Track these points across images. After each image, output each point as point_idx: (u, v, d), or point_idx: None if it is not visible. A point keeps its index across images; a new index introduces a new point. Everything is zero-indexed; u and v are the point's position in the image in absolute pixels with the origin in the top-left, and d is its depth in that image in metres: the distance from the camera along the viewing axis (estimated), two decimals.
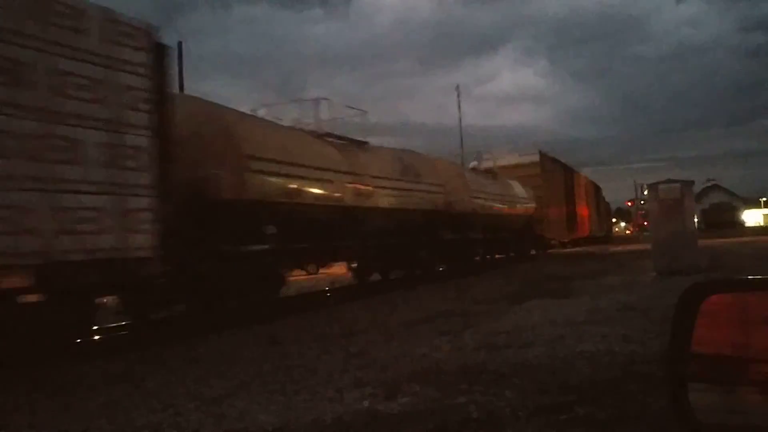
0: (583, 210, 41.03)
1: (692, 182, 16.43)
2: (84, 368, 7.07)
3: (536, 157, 30.67)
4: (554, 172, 33.28)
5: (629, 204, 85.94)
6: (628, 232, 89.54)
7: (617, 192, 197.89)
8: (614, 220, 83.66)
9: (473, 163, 27.17)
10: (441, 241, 18.15)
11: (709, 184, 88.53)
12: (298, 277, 18.03)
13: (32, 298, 7.29)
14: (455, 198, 18.95)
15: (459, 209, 19.04)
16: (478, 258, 22.74)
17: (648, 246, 18.95)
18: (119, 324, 10.42)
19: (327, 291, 15.96)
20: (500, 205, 23.90)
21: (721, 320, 1.25)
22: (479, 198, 21.17)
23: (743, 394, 1.21)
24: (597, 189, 50.32)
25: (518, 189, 26.82)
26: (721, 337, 1.24)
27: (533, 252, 29.14)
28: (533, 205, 27.95)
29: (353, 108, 16.48)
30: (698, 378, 1.23)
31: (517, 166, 29.26)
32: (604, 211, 55.47)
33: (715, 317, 1.25)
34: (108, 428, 4.72)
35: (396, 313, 10.48)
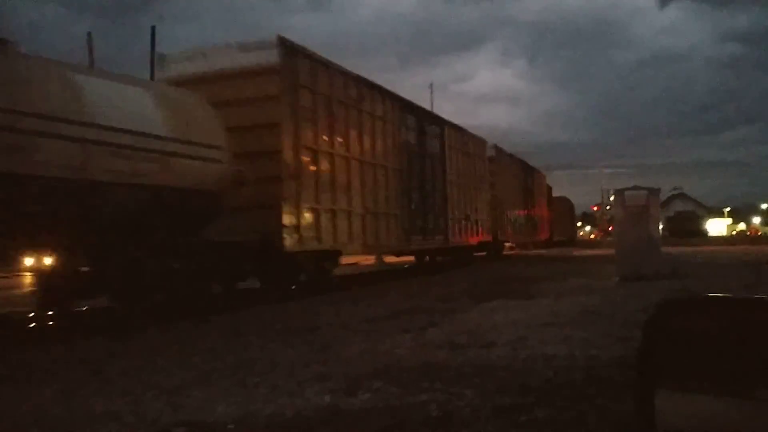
0: (492, 202, 26.60)
1: (659, 190, 16.65)
2: (41, 354, 6.97)
3: (271, 57, 12.76)
4: (355, 107, 15.66)
5: (595, 208, 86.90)
6: (592, 236, 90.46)
7: (584, 196, 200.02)
8: (579, 223, 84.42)
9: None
10: None
11: (674, 192, 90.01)
12: None
13: None
14: None
15: None
16: None
17: (611, 251, 19.18)
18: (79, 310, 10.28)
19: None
20: None
21: (689, 334, 1.27)
22: None
23: (705, 403, 1.22)
24: (529, 171, 35.73)
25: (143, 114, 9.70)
26: (688, 349, 1.26)
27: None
28: (219, 162, 11.01)
29: None
30: (665, 387, 1.24)
31: (215, 78, 12.73)
32: (548, 210, 42.07)
33: (683, 331, 1.26)
34: (65, 415, 4.65)
35: (360, 309, 10.47)
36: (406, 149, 18.47)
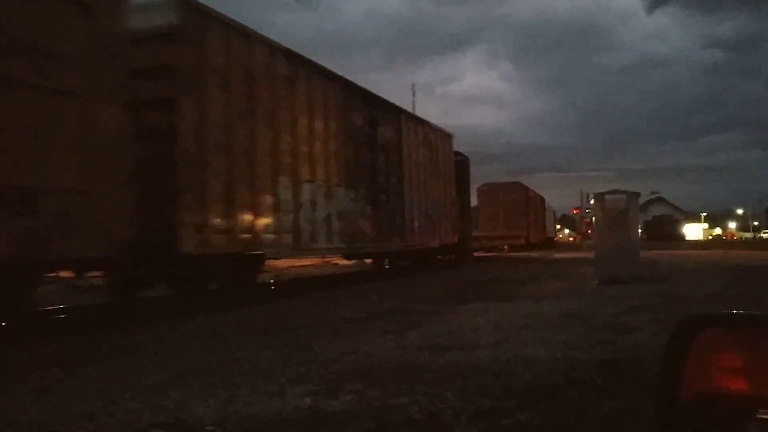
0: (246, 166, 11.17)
1: (638, 194, 16.73)
2: (15, 353, 6.86)
3: None
4: None
5: (575, 212, 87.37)
6: (571, 239, 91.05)
7: (564, 199, 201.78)
8: (558, 226, 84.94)
9: None
10: None
11: (653, 197, 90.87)
12: None
13: None
14: None
15: None
16: None
17: (590, 254, 19.28)
18: (56, 307, 10.15)
19: (271, 284, 15.79)
20: None
21: (714, 354, 1.23)
22: None
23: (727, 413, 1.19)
24: (391, 117, 18.35)
25: None
26: (713, 372, 1.22)
27: None
28: None
29: None
30: (688, 413, 1.21)
31: None
32: (455, 197, 23.76)
33: (708, 351, 1.23)
34: (39, 415, 4.56)
35: (341, 310, 10.43)
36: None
